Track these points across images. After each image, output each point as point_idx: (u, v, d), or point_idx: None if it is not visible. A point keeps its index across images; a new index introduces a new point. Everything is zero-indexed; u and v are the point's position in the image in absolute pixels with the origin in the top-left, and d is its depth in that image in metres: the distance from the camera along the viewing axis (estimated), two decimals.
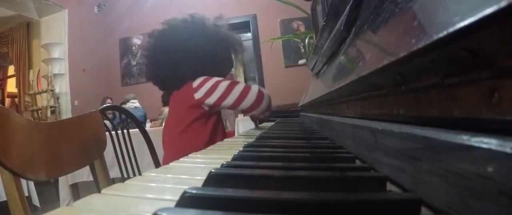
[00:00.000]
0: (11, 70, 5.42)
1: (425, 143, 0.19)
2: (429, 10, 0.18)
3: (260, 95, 0.84)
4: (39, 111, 3.72)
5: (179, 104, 0.90)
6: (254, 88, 0.85)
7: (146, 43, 1.01)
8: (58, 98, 3.86)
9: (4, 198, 1.28)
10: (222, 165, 0.30)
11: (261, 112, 0.87)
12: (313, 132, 0.77)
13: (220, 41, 1.00)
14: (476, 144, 0.14)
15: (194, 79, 0.88)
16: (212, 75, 0.89)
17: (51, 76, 3.74)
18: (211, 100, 0.83)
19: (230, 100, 0.82)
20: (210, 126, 0.88)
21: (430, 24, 0.17)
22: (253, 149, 0.44)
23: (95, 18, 4.56)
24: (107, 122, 1.13)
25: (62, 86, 3.96)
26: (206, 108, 0.86)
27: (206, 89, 0.83)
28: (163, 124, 1.04)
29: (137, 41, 4.60)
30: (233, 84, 0.83)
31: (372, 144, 0.29)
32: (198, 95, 0.84)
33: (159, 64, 0.95)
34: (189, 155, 0.48)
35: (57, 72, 3.90)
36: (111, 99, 3.90)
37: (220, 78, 0.86)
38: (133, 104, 3.35)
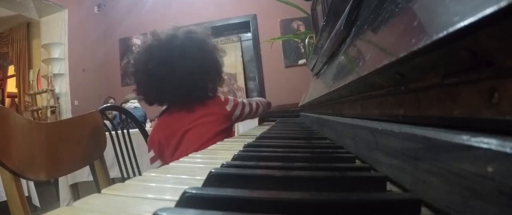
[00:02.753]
0: (11, 70, 5.42)
1: (425, 143, 0.19)
2: (429, 10, 0.18)
3: (257, 106, 1.19)
4: (39, 111, 3.71)
5: (207, 111, 1.01)
6: (253, 102, 1.18)
7: (144, 59, 0.98)
8: (58, 98, 3.86)
9: (4, 198, 1.28)
10: (222, 165, 0.30)
11: (260, 114, 1.25)
12: (313, 132, 0.77)
13: (212, 49, 1.05)
14: (476, 144, 0.14)
15: (205, 93, 1.05)
16: (215, 81, 1.06)
17: (51, 76, 3.74)
18: (237, 111, 1.08)
19: (245, 111, 1.12)
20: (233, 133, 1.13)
21: (430, 24, 0.17)
22: (253, 149, 0.44)
23: (95, 18, 4.55)
24: (107, 122, 1.13)
25: (62, 86, 3.95)
26: (233, 119, 1.08)
27: (232, 103, 1.07)
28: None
29: (137, 41, 4.59)
30: (243, 102, 1.12)
31: (372, 144, 0.29)
32: (228, 108, 1.06)
33: (164, 78, 0.95)
34: (189, 155, 0.48)
35: (57, 72, 3.90)
36: (114, 99, 3.89)
37: (235, 98, 1.12)
38: (133, 104, 3.35)
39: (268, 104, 1.32)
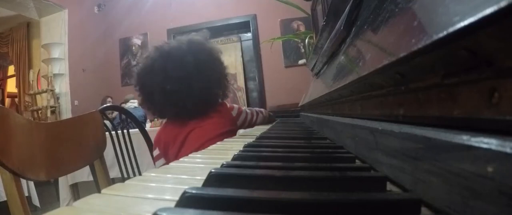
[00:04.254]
0: (11, 70, 5.42)
1: (425, 143, 0.19)
2: (429, 10, 0.18)
3: (257, 115, 1.23)
4: (39, 111, 3.71)
5: (212, 113, 1.04)
6: (254, 111, 1.23)
7: (160, 80, 0.97)
8: (58, 98, 3.86)
9: (4, 198, 1.28)
10: (222, 165, 0.30)
11: (260, 123, 1.28)
12: (313, 132, 0.77)
13: (218, 55, 1.07)
14: (476, 144, 0.14)
15: (213, 101, 1.07)
16: (224, 87, 1.09)
17: (51, 76, 3.74)
18: (242, 118, 1.13)
19: (248, 118, 1.16)
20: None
21: (430, 24, 0.17)
22: (253, 149, 0.44)
23: (95, 18, 4.55)
24: (107, 122, 1.13)
25: (62, 86, 3.96)
26: (238, 125, 1.12)
27: (237, 110, 1.12)
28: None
29: (137, 41, 4.60)
30: (246, 110, 1.18)
31: (372, 144, 0.29)
32: (233, 113, 1.11)
33: (184, 91, 0.96)
34: (189, 155, 0.48)
35: (57, 72, 3.90)
36: (111, 98, 3.89)
37: (239, 106, 1.18)
38: (133, 104, 3.35)
39: (269, 115, 1.35)
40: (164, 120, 1.15)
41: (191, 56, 0.98)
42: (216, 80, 1.03)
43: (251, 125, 1.19)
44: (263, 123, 1.27)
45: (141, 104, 1.09)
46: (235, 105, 1.14)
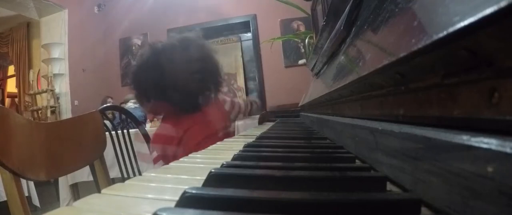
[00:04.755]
0: (11, 70, 5.42)
1: (425, 143, 0.19)
2: (429, 10, 0.18)
3: (251, 105, 1.26)
4: (39, 111, 3.71)
5: (207, 110, 1.06)
6: (248, 101, 1.26)
7: (156, 78, 0.98)
8: (58, 98, 3.86)
9: (4, 198, 1.28)
10: (222, 165, 0.30)
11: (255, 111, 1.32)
12: (313, 132, 0.77)
13: (213, 53, 1.08)
14: (476, 144, 0.14)
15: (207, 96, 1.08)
16: (219, 84, 1.09)
17: (51, 76, 3.74)
18: (236, 109, 1.15)
19: (242, 109, 1.18)
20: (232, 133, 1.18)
21: (430, 24, 0.17)
22: (253, 149, 0.44)
23: (95, 18, 4.55)
24: (107, 122, 1.13)
25: (62, 86, 3.95)
26: (232, 117, 1.14)
27: (229, 104, 1.13)
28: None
29: (137, 41, 4.59)
30: (238, 101, 1.19)
31: (372, 144, 0.29)
32: (226, 107, 1.13)
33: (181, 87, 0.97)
34: (189, 155, 0.48)
35: (57, 72, 3.90)
36: (111, 98, 3.89)
37: (232, 99, 1.19)
38: (133, 104, 3.34)
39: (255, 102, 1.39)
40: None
41: (183, 52, 0.99)
42: (208, 76, 1.03)
43: (244, 116, 1.21)
44: (257, 111, 1.31)
45: (137, 102, 1.11)
46: (227, 98, 1.15)
